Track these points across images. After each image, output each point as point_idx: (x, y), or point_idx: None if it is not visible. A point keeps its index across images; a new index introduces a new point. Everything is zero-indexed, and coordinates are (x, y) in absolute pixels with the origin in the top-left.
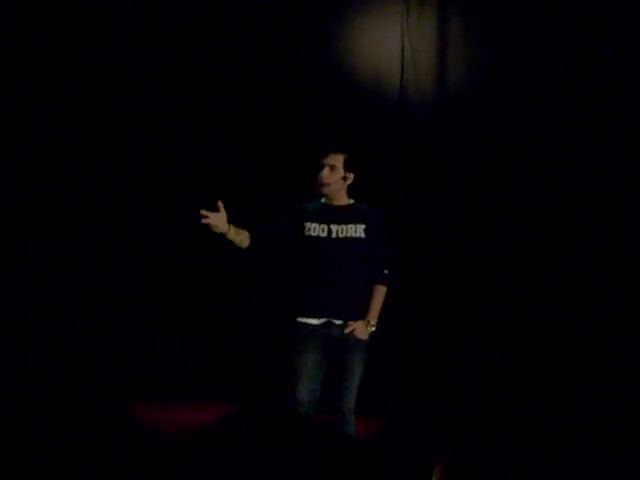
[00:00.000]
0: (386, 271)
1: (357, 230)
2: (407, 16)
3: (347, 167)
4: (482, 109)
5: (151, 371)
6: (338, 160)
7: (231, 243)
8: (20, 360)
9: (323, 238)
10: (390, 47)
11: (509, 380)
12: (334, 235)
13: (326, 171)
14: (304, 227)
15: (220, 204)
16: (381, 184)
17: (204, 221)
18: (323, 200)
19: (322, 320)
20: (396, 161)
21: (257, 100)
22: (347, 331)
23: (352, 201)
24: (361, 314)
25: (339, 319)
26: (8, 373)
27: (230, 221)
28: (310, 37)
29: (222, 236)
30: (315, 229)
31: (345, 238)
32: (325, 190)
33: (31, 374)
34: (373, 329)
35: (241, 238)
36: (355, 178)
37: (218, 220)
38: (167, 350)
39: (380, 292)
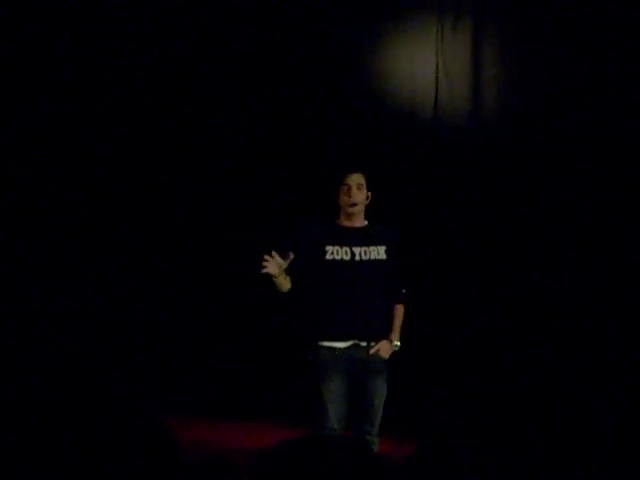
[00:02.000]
0: (404, 290)
1: (379, 252)
2: (441, 37)
3: (368, 187)
4: (516, 130)
5: (164, 385)
6: (363, 180)
7: (275, 286)
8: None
9: (346, 261)
10: (424, 68)
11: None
12: (357, 258)
13: (355, 190)
14: (325, 251)
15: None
16: (413, 202)
17: (265, 264)
18: (339, 222)
19: (349, 343)
20: (429, 180)
21: (289, 120)
22: (372, 352)
23: (366, 222)
24: (384, 334)
25: (364, 341)
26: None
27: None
28: (345, 58)
29: (270, 277)
30: (338, 252)
31: (368, 260)
32: (355, 210)
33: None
34: (397, 348)
35: (286, 284)
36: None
37: (278, 263)
38: (176, 364)
39: (400, 311)
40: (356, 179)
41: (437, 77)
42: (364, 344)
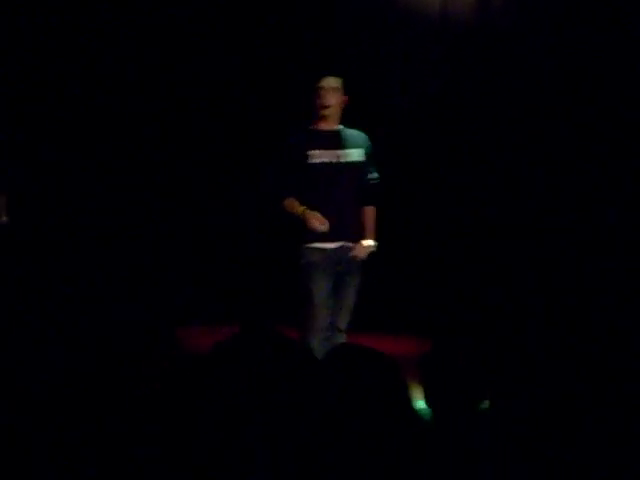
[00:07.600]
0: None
1: (359, 154)
2: None
3: (345, 91)
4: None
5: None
6: (339, 83)
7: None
8: None
9: (330, 163)
10: None
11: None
12: (342, 160)
13: (330, 93)
14: (307, 155)
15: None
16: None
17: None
18: (316, 126)
19: (338, 244)
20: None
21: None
22: (356, 253)
23: (342, 126)
24: (362, 235)
25: (349, 241)
26: None
27: None
28: None
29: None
30: (320, 155)
31: (351, 162)
32: (327, 112)
33: None
34: (375, 248)
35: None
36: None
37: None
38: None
39: (374, 213)
40: (330, 82)
41: None
42: (350, 244)
